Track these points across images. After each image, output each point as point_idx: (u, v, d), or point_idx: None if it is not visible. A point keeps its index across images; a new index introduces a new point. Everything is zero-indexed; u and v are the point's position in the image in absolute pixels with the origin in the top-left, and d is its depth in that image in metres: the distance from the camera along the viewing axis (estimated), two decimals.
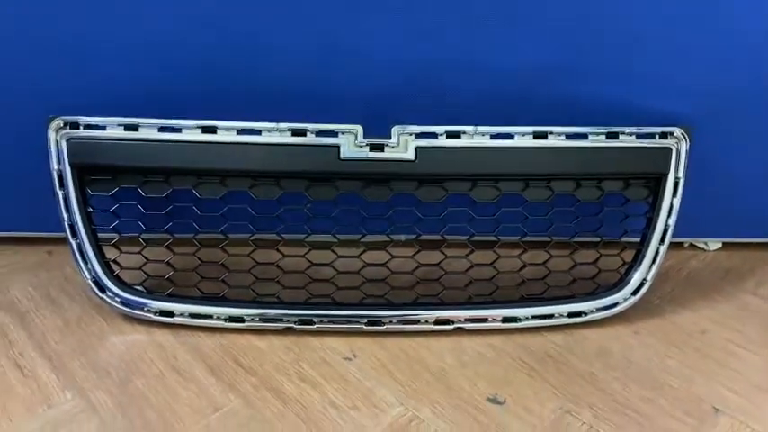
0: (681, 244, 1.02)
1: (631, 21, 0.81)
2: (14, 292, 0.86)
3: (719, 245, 1.02)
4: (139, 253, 0.82)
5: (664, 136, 0.81)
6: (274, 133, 0.76)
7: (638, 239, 0.85)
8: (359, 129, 0.77)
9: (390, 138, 0.77)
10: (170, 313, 0.80)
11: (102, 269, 0.80)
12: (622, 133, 0.80)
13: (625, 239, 0.86)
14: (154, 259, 0.82)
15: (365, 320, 0.80)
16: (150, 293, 0.81)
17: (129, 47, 0.80)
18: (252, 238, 0.82)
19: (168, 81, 0.82)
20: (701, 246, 1.02)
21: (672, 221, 0.83)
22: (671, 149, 0.81)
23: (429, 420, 0.69)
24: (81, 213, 0.79)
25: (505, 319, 0.81)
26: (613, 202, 0.84)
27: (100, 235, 0.80)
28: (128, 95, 0.82)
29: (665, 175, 0.82)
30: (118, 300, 0.80)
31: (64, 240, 0.80)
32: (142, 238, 0.82)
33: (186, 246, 0.82)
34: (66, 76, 0.82)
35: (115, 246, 0.82)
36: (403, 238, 0.93)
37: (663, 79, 0.85)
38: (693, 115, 0.85)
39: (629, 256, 0.85)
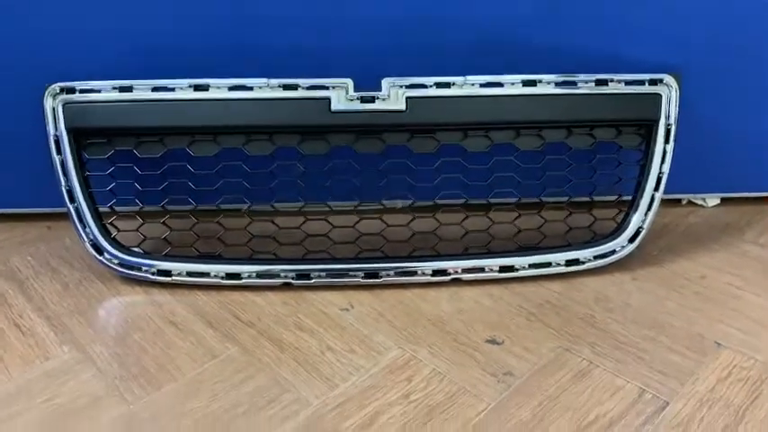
0: (679, 201, 1.01)
1: None
2: (14, 262, 0.87)
3: (718, 201, 1.01)
4: (136, 215, 0.83)
5: (653, 83, 0.82)
6: (266, 89, 0.77)
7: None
8: (349, 82, 0.78)
9: (381, 90, 0.78)
10: (168, 273, 0.80)
11: (100, 232, 0.80)
12: (611, 80, 0.81)
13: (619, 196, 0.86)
14: (151, 221, 0.83)
15: (362, 273, 0.80)
16: (148, 254, 0.82)
17: (121, 11, 0.82)
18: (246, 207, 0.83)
19: (158, 41, 0.83)
20: (699, 202, 1.01)
21: (665, 168, 0.83)
22: (661, 95, 0.81)
23: (426, 360, 0.69)
24: (78, 178, 0.80)
25: (502, 269, 0.81)
26: (606, 151, 0.85)
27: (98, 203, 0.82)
28: (121, 60, 0.84)
29: (657, 122, 0.82)
30: (116, 261, 0.80)
31: (63, 216, 0.81)
32: (139, 202, 0.83)
33: (182, 208, 0.83)
34: (60, 45, 0.83)
35: (112, 209, 0.82)
36: (399, 204, 0.94)
37: (653, 29, 0.85)
38: (688, 69, 0.85)
39: (625, 207, 0.85)
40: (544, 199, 0.85)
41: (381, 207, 0.86)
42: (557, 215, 0.85)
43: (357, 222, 0.83)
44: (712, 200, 1.01)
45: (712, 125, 0.93)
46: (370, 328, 0.74)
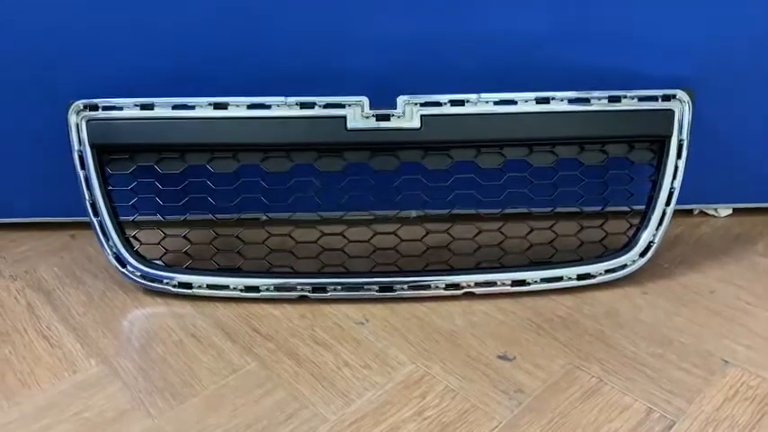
0: (690, 211, 1.02)
1: None
2: (41, 272, 0.90)
3: (730, 211, 1.02)
4: (158, 228, 0.85)
5: (666, 98, 0.82)
6: (283, 107, 0.79)
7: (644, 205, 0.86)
8: (365, 100, 0.79)
9: (396, 108, 0.79)
10: (188, 285, 0.83)
11: (123, 245, 0.83)
12: (624, 97, 0.82)
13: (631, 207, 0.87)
14: (172, 234, 0.85)
15: (377, 287, 0.82)
16: (169, 267, 0.84)
17: (142, 32, 0.84)
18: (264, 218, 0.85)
19: (179, 63, 0.85)
20: (711, 212, 1.02)
21: (677, 184, 0.84)
22: (673, 111, 0.82)
23: (440, 376, 0.71)
24: (102, 192, 0.82)
25: (515, 283, 0.83)
26: (618, 166, 0.86)
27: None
28: (141, 80, 0.86)
29: (669, 137, 0.83)
30: (138, 274, 0.83)
31: (86, 225, 0.84)
32: (160, 217, 0.85)
33: (202, 217, 0.85)
34: (81, 63, 0.85)
35: (135, 223, 0.85)
36: (413, 213, 0.96)
37: (664, 44, 0.86)
38: (699, 82, 0.86)
39: (636, 221, 0.86)
40: (556, 211, 0.86)
41: (395, 216, 0.87)
42: (568, 229, 0.87)
43: (372, 237, 0.84)
44: (724, 210, 1.02)
45: (724, 136, 0.93)
46: (384, 342, 0.76)
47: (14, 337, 0.78)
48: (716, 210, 1.02)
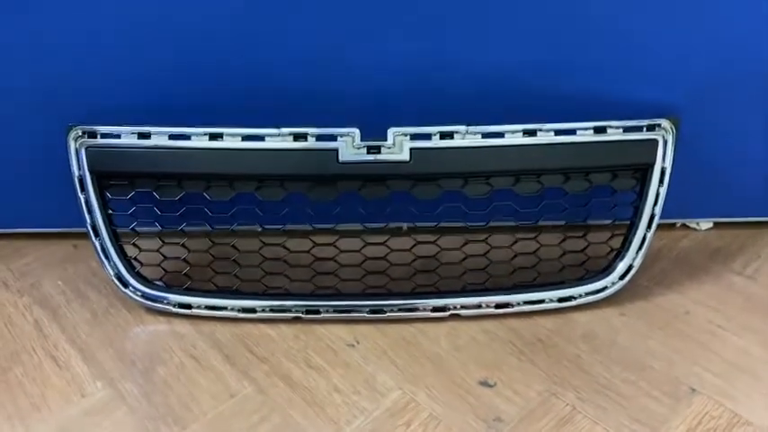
0: (673, 224, 1.05)
1: (617, 18, 0.83)
2: (46, 288, 0.94)
3: (711, 224, 1.05)
4: (158, 251, 0.89)
5: (651, 128, 0.84)
6: (277, 138, 0.81)
7: (626, 223, 0.89)
8: (356, 132, 0.81)
9: (386, 139, 0.81)
10: (188, 306, 0.87)
11: (124, 266, 0.87)
12: (610, 127, 0.84)
13: (614, 223, 0.91)
14: (171, 256, 0.89)
15: (368, 309, 0.86)
16: (169, 288, 0.88)
17: (137, 56, 0.85)
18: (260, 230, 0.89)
19: (171, 85, 0.87)
20: (693, 226, 1.05)
21: (658, 209, 0.86)
22: (657, 141, 0.84)
23: (424, 404, 0.76)
24: (102, 215, 0.85)
25: (498, 306, 0.87)
26: (601, 193, 0.88)
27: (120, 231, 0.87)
28: (137, 103, 0.87)
29: (652, 166, 0.85)
30: (139, 294, 0.87)
31: (87, 235, 0.87)
32: (159, 235, 0.89)
33: (200, 241, 0.89)
34: (83, 79, 0.87)
35: (135, 245, 0.88)
36: (404, 226, 0.99)
37: (648, 70, 0.87)
38: (680, 100, 0.88)
39: (617, 242, 0.90)
40: (540, 238, 0.90)
41: (385, 227, 0.90)
42: (551, 252, 0.90)
43: (363, 262, 0.88)
44: (705, 224, 1.05)
45: (706, 153, 0.95)
46: (373, 366, 0.81)
47: (24, 358, 0.82)
48: (697, 223, 1.05)
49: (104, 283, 0.94)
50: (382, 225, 0.89)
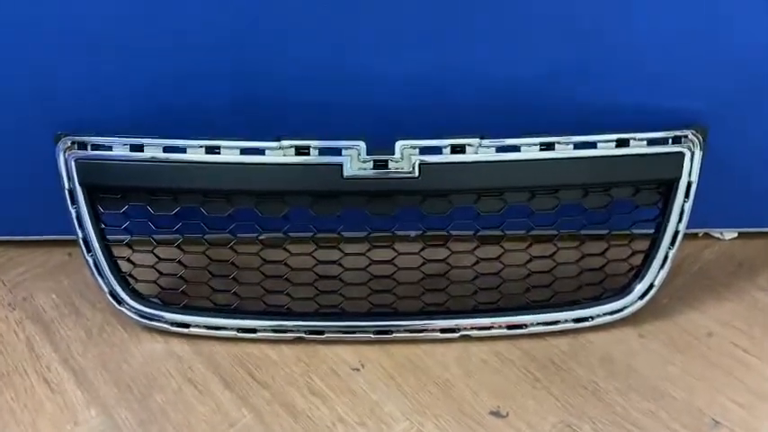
0: (695, 234, 1.00)
1: (639, 28, 0.77)
2: (39, 301, 0.90)
3: (735, 234, 1.00)
4: (153, 267, 0.85)
5: (677, 140, 0.79)
6: (278, 152, 0.76)
7: (648, 239, 0.84)
8: (362, 145, 0.76)
9: (394, 153, 0.76)
10: (185, 325, 0.83)
11: (118, 282, 0.83)
12: (633, 139, 0.78)
13: (636, 232, 0.86)
14: (167, 273, 0.85)
15: (373, 330, 0.82)
16: (166, 305, 0.84)
17: (134, 63, 0.80)
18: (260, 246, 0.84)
19: (171, 94, 0.82)
20: (717, 235, 1.00)
21: (682, 227, 0.81)
22: (684, 154, 0.79)
23: None
24: (94, 229, 0.81)
25: (511, 326, 0.83)
26: (622, 207, 0.83)
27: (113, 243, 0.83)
28: (131, 110, 0.82)
29: (678, 180, 0.80)
30: (135, 312, 0.83)
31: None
32: (154, 251, 0.84)
33: (197, 257, 0.84)
34: (78, 87, 0.82)
35: (130, 260, 0.84)
36: (413, 234, 0.94)
37: (673, 79, 0.81)
38: (706, 109, 0.82)
39: (637, 259, 0.85)
40: (555, 256, 0.85)
41: (392, 235, 0.85)
42: (567, 270, 0.85)
43: (369, 280, 0.84)
44: (729, 233, 1.00)
45: (733, 163, 0.90)
46: (379, 393, 0.77)
47: (15, 380, 0.79)
48: (721, 233, 1.00)
49: (99, 297, 0.89)
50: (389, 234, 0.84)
